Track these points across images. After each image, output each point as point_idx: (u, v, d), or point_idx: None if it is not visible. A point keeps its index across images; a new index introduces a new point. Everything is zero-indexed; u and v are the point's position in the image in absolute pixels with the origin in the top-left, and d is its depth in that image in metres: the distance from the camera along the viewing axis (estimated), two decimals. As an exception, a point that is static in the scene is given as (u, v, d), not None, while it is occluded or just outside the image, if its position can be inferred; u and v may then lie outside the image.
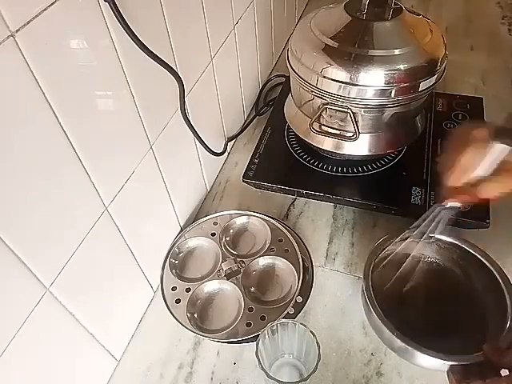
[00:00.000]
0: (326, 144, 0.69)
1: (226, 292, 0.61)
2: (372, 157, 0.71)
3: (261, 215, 0.68)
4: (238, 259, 0.63)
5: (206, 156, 0.71)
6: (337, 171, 0.73)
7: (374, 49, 0.60)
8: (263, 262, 0.63)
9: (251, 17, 0.83)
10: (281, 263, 0.63)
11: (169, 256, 0.64)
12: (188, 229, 0.67)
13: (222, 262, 0.62)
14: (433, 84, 0.63)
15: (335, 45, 0.61)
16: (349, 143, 0.67)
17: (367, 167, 0.73)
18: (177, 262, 0.64)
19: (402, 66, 0.59)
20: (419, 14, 0.68)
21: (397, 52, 0.60)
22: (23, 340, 0.40)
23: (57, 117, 0.39)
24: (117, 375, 0.56)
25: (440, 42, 0.64)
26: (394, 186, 0.71)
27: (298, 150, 0.77)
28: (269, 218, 0.67)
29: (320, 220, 0.72)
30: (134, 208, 0.55)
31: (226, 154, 0.82)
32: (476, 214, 0.64)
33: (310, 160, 0.75)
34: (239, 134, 0.85)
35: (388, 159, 0.74)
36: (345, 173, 0.73)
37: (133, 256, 0.56)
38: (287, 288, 0.61)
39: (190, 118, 0.62)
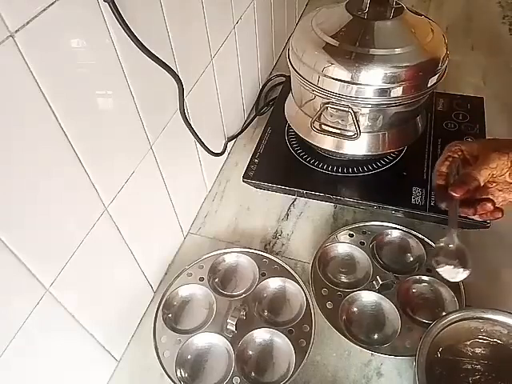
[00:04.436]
0: (327, 143, 0.69)
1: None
2: (372, 156, 0.71)
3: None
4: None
5: (206, 156, 0.71)
6: (337, 171, 0.73)
7: (375, 48, 0.60)
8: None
9: (251, 16, 0.83)
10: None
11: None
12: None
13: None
14: (434, 83, 0.63)
15: (336, 44, 0.61)
16: (349, 143, 0.67)
17: (367, 167, 0.73)
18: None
19: (403, 66, 0.59)
20: (420, 14, 0.67)
21: (398, 51, 0.59)
22: (23, 340, 0.40)
23: (56, 117, 0.39)
24: (117, 375, 0.56)
25: (441, 42, 0.64)
26: (394, 185, 0.70)
27: (298, 149, 0.77)
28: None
29: (320, 220, 0.71)
30: (134, 208, 0.54)
31: (226, 154, 0.82)
32: (477, 214, 0.64)
33: (310, 160, 0.75)
34: (239, 133, 0.85)
35: (388, 159, 0.74)
36: (345, 173, 0.73)
37: (132, 256, 0.56)
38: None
39: (190, 118, 0.62)
